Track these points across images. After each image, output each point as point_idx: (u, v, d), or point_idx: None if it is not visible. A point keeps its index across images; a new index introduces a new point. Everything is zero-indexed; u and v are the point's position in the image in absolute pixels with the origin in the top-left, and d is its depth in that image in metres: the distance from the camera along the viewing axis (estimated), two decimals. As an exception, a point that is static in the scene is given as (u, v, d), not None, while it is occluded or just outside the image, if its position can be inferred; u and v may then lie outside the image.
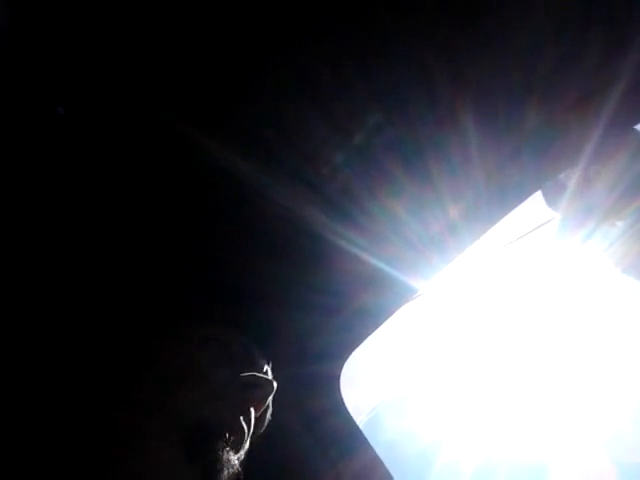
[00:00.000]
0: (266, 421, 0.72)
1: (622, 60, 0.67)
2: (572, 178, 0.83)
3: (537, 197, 0.81)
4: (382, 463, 1.01)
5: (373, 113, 0.68)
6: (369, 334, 1.02)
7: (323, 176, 0.73)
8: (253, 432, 0.64)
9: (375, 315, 1.00)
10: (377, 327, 1.01)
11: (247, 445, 0.60)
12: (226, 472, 0.52)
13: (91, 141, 0.62)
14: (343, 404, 1.07)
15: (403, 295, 0.97)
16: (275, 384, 0.65)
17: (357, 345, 1.03)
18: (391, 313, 0.99)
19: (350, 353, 1.04)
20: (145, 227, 0.73)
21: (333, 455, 1.01)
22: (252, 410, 0.62)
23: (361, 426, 1.07)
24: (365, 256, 0.85)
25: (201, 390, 0.56)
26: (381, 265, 0.88)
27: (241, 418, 0.58)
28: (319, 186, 0.74)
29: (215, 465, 0.50)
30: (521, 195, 0.81)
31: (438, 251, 0.89)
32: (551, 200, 0.89)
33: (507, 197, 0.81)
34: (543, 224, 0.95)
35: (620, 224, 0.84)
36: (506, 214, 0.82)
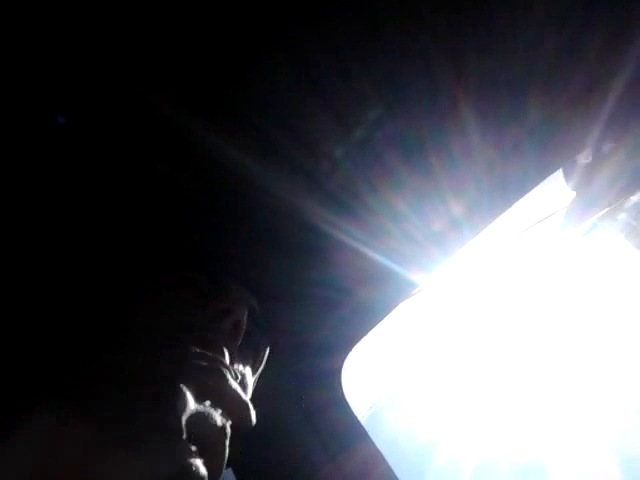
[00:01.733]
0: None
1: (624, 52, 0.66)
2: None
3: (539, 190, 0.80)
4: (383, 458, 1.02)
5: (374, 106, 0.68)
6: (371, 329, 1.02)
7: (323, 170, 0.73)
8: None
9: (376, 310, 1.00)
10: (378, 322, 1.01)
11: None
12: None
13: (90, 136, 0.62)
14: (345, 399, 1.07)
15: (404, 290, 0.97)
16: (246, 310, 0.62)
17: (359, 340, 1.03)
18: (392, 308, 0.99)
19: (352, 348, 1.05)
20: (142, 221, 0.73)
21: (334, 449, 1.01)
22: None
23: (362, 421, 1.07)
24: (366, 250, 0.85)
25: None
26: (382, 259, 0.88)
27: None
28: (319, 180, 0.74)
29: None
30: (523, 189, 0.80)
31: (439, 245, 0.89)
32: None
33: (509, 191, 0.81)
34: (546, 217, 0.94)
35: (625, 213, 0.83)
36: (508, 208, 0.82)
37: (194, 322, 0.56)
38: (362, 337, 1.03)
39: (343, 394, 1.07)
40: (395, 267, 0.89)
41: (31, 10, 0.49)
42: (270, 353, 0.98)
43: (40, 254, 0.67)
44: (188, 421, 0.43)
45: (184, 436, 0.42)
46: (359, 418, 1.07)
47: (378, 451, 1.03)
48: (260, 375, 0.90)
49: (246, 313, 0.61)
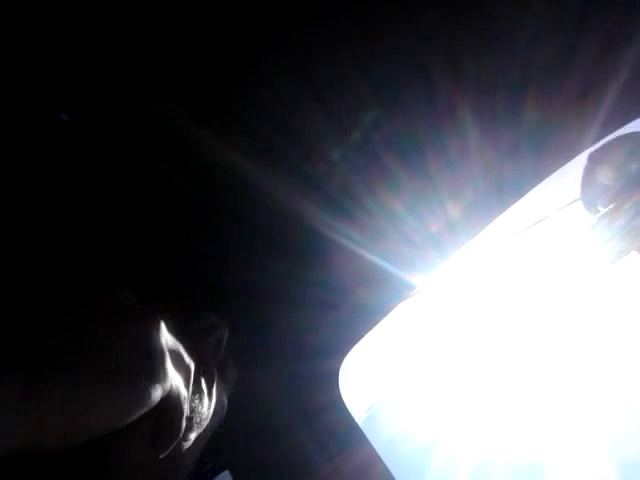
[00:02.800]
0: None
1: (621, 54, 0.66)
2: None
3: (535, 193, 0.81)
4: (380, 459, 1.02)
5: (371, 108, 0.68)
6: (368, 331, 1.02)
7: (321, 172, 0.73)
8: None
9: (374, 312, 1.00)
10: (376, 324, 1.01)
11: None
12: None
13: (88, 137, 0.62)
14: (342, 400, 1.07)
15: (401, 292, 0.97)
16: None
17: (356, 342, 1.03)
18: (390, 310, 0.99)
19: (349, 350, 1.05)
20: (143, 224, 0.73)
21: (331, 451, 1.01)
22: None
23: (360, 423, 1.07)
24: (364, 252, 0.85)
25: None
26: (380, 261, 0.88)
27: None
28: (317, 182, 0.74)
29: None
30: (520, 191, 0.80)
31: (437, 247, 0.89)
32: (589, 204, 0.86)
33: (505, 193, 0.81)
34: (542, 220, 0.95)
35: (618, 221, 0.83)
36: (505, 210, 0.82)
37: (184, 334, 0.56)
38: (360, 339, 1.03)
39: (340, 396, 1.07)
40: (393, 269, 0.89)
41: (38, 12, 0.50)
42: (267, 355, 0.98)
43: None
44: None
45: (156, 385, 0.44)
46: (356, 420, 1.07)
47: (375, 453, 1.03)
48: (258, 376, 0.90)
49: (226, 333, 0.61)
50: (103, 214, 0.70)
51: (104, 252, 0.72)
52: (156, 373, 0.44)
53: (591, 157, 0.79)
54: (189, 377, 0.50)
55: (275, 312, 0.93)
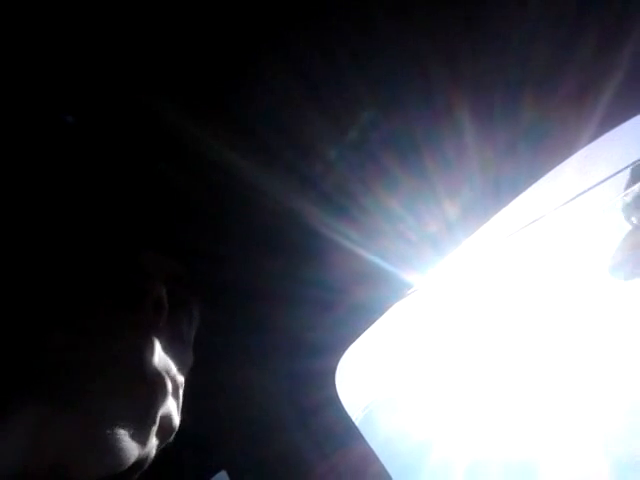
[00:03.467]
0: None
1: (618, 53, 0.66)
2: None
3: (532, 192, 0.81)
4: (377, 458, 1.02)
5: (368, 108, 0.68)
6: (365, 329, 1.02)
7: (318, 171, 0.73)
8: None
9: (370, 310, 1.00)
10: (372, 322, 1.01)
11: None
12: None
13: (85, 137, 0.61)
14: (338, 399, 1.07)
15: (398, 290, 0.97)
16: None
17: (353, 340, 1.03)
18: (386, 308, 0.99)
19: (346, 349, 1.05)
20: (141, 222, 0.73)
21: (328, 450, 1.01)
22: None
23: (356, 422, 1.07)
24: (360, 251, 0.85)
25: None
26: (376, 260, 0.88)
27: None
28: (313, 181, 0.74)
29: None
30: (517, 189, 0.80)
31: (433, 246, 0.89)
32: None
33: (502, 191, 0.81)
34: (539, 218, 0.95)
35: None
36: (501, 208, 0.82)
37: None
38: (356, 338, 1.03)
39: (337, 395, 1.07)
40: (389, 268, 0.89)
41: (37, 13, 0.49)
42: (264, 353, 0.98)
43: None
44: (159, 411, 0.48)
45: (155, 427, 0.47)
46: (353, 419, 1.07)
47: (372, 451, 1.03)
48: (255, 375, 0.90)
49: (163, 288, 0.59)
50: (102, 214, 0.70)
51: (104, 252, 0.71)
52: (155, 419, 0.46)
53: (633, 172, 0.79)
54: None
55: (271, 311, 0.93)
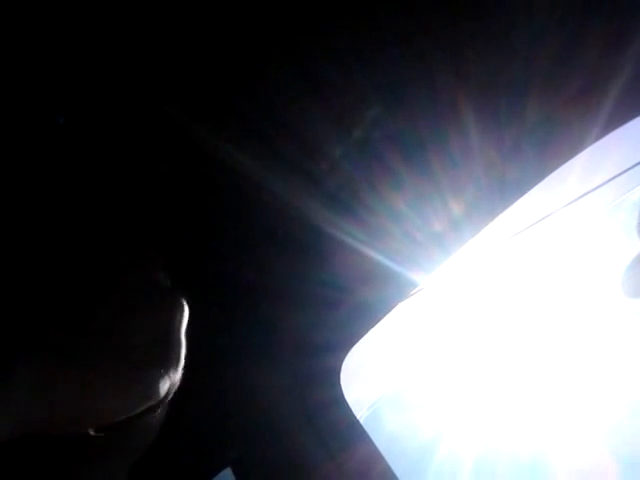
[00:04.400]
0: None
1: (623, 52, 0.66)
2: None
3: (538, 191, 0.81)
4: (382, 457, 1.02)
5: (374, 107, 0.68)
6: (370, 328, 1.02)
7: (323, 170, 0.73)
8: None
9: (376, 309, 1.00)
10: (378, 321, 1.01)
11: None
12: None
13: (93, 137, 0.62)
14: (343, 398, 1.07)
15: (404, 289, 0.97)
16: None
17: (358, 339, 1.03)
18: (392, 307, 0.99)
19: (351, 347, 1.05)
20: (145, 223, 0.73)
21: (333, 448, 1.01)
22: None
23: (361, 420, 1.07)
24: (365, 250, 0.85)
25: None
26: (382, 259, 0.88)
27: None
28: (319, 180, 0.74)
29: None
30: (522, 188, 0.80)
31: (439, 245, 0.89)
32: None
33: (508, 190, 0.81)
34: (545, 217, 0.95)
35: None
36: (507, 207, 0.82)
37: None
38: (361, 336, 1.03)
39: (342, 393, 1.07)
40: (395, 267, 0.89)
41: (42, 12, 0.50)
42: (269, 352, 0.98)
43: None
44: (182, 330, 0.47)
45: (182, 348, 0.46)
46: (358, 418, 1.07)
47: (377, 450, 1.03)
48: (259, 374, 0.90)
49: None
50: (105, 214, 0.70)
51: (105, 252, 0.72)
52: (171, 368, 0.45)
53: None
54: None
55: (277, 310, 0.93)
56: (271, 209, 0.76)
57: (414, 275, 0.93)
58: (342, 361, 1.07)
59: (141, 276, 0.51)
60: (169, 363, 0.45)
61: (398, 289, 0.96)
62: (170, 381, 0.45)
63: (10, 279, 0.50)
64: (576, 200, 0.90)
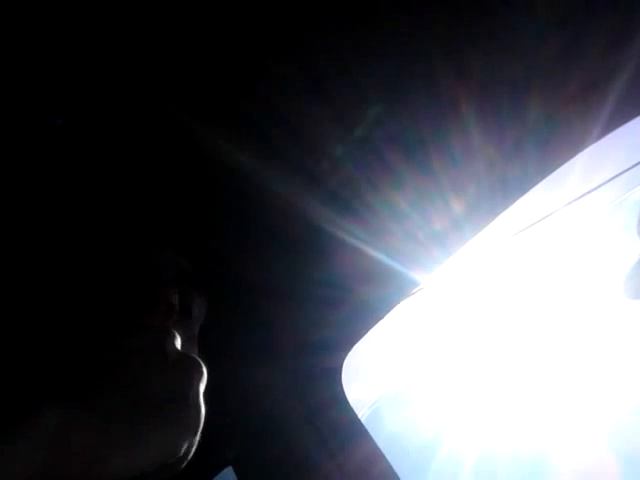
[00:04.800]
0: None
1: (625, 50, 0.66)
2: None
3: (539, 189, 0.81)
4: (383, 456, 1.02)
5: (375, 106, 0.68)
6: (371, 327, 1.02)
7: (324, 169, 0.73)
8: None
9: (377, 308, 1.00)
10: (379, 320, 1.01)
11: None
12: None
13: (95, 138, 0.62)
14: (344, 397, 1.07)
15: (405, 288, 0.97)
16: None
17: (359, 338, 1.04)
18: (393, 306, 0.99)
19: (352, 346, 1.05)
20: (147, 222, 0.73)
21: (334, 447, 1.01)
22: None
23: (363, 419, 1.08)
24: (367, 249, 0.85)
25: None
26: (383, 258, 0.88)
27: None
28: (320, 179, 0.74)
29: None
30: (524, 187, 0.80)
31: (440, 244, 0.89)
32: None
33: (509, 189, 0.81)
34: (546, 217, 0.94)
35: None
36: (509, 206, 0.82)
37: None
38: (362, 335, 1.04)
39: (343, 392, 1.07)
40: (396, 266, 0.89)
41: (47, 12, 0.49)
42: (270, 351, 0.98)
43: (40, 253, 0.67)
44: (199, 392, 0.47)
45: (201, 409, 0.46)
46: (359, 417, 1.07)
47: (378, 449, 1.03)
48: (261, 373, 0.90)
49: (175, 294, 0.60)
50: (105, 215, 0.70)
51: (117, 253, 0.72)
52: (190, 428, 0.45)
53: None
54: None
55: (278, 309, 0.93)
56: (272, 208, 0.76)
57: (415, 274, 0.93)
58: (343, 360, 1.07)
59: (160, 337, 0.51)
60: (189, 423, 0.44)
61: (399, 288, 0.96)
62: (189, 442, 0.44)
63: (25, 315, 0.50)
64: (577, 199, 0.90)
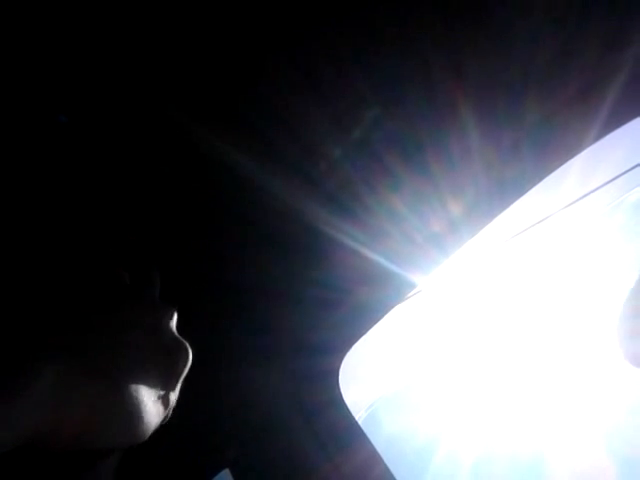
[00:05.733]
0: None
1: (622, 52, 0.66)
2: None
3: (537, 191, 0.81)
4: (380, 458, 1.02)
5: (372, 107, 0.68)
6: (368, 329, 1.02)
7: (322, 171, 0.73)
8: None
9: (374, 310, 1.00)
10: (376, 322, 1.01)
11: None
12: None
13: (91, 137, 0.62)
14: (342, 399, 1.07)
15: (402, 290, 0.97)
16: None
17: (356, 340, 1.04)
18: (390, 308, 0.99)
19: (349, 348, 1.05)
20: (143, 223, 0.73)
21: (331, 450, 1.01)
22: None
23: (360, 421, 1.07)
24: (364, 251, 0.85)
25: None
26: (380, 260, 0.88)
27: None
28: (318, 181, 0.74)
29: None
30: (521, 189, 0.80)
31: (437, 246, 0.89)
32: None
33: (507, 191, 0.81)
34: (545, 218, 0.95)
35: None
36: (506, 208, 0.82)
37: None
38: (360, 337, 1.03)
39: (340, 394, 1.07)
40: (393, 267, 0.89)
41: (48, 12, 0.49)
42: (267, 353, 0.98)
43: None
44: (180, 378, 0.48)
45: (175, 395, 0.47)
46: (356, 418, 1.07)
47: (375, 451, 1.03)
48: (258, 375, 0.90)
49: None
50: (105, 214, 0.70)
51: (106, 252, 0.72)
52: (176, 386, 0.46)
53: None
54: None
55: (275, 311, 0.93)
56: (269, 210, 0.75)
57: (413, 276, 0.93)
58: (340, 362, 1.07)
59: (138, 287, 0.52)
60: (176, 386, 0.46)
61: (397, 290, 0.96)
62: (174, 398, 0.46)
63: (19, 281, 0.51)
64: (575, 201, 0.90)
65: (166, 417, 0.47)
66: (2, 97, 0.55)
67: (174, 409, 0.54)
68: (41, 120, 0.58)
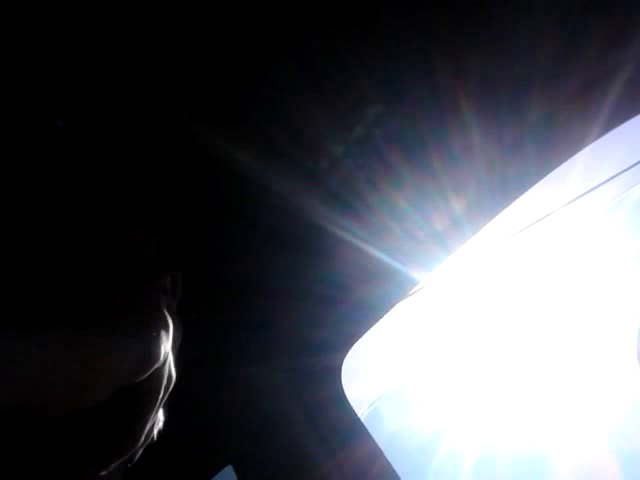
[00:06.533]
0: None
1: (624, 49, 0.66)
2: None
3: (539, 189, 0.80)
4: (383, 454, 1.02)
5: (374, 105, 0.67)
6: (370, 326, 1.02)
7: (324, 168, 0.73)
8: None
9: (376, 307, 1.00)
10: (378, 319, 1.01)
11: None
12: None
13: (94, 137, 0.62)
14: (344, 396, 1.07)
15: (404, 287, 0.97)
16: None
17: (358, 337, 1.04)
18: (393, 305, 0.99)
19: (351, 345, 1.05)
20: (143, 222, 0.73)
21: (334, 446, 1.01)
22: None
23: (362, 418, 1.08)
24: (366, 248, 0.85)
25: None
26: (382, 257, 0.88)
27: None
28: (320, 178, 0.74)
29: None
30: (524, 186, 0.80)
31: (440, 243, 0.89)
32: None
33: (509, 188, 0.81)
34: (547, 215, 0.94)
35: None
36: (508, 205, 0.82)
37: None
38: (362, 334, 1.04)
39: (343, 391, 1.08)
40: (396, 265, 0.89)
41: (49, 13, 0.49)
42: (270, 351, 0.98)
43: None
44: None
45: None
46: (359, 416, 1.07)
47: (378, 448, 1.03)
48: (261, 373, 0.90)
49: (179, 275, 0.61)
50: (105, 215, 0.70)
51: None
52: (164, 333, 0.45)
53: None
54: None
55: (277, 308, 0.93)
56: (271, 207, 0.75)
57: (415, 273, 0.93)
58: (343, 359, 1.07)
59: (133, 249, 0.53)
60: (163, 331, 0.46)
61: (399, 287, 0.96)
62: (164, 350, 0.45)
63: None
64: (577, 198, 0.90)
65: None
66: (4, 98, 0.55)
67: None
68: (39, 126, 0.58)
